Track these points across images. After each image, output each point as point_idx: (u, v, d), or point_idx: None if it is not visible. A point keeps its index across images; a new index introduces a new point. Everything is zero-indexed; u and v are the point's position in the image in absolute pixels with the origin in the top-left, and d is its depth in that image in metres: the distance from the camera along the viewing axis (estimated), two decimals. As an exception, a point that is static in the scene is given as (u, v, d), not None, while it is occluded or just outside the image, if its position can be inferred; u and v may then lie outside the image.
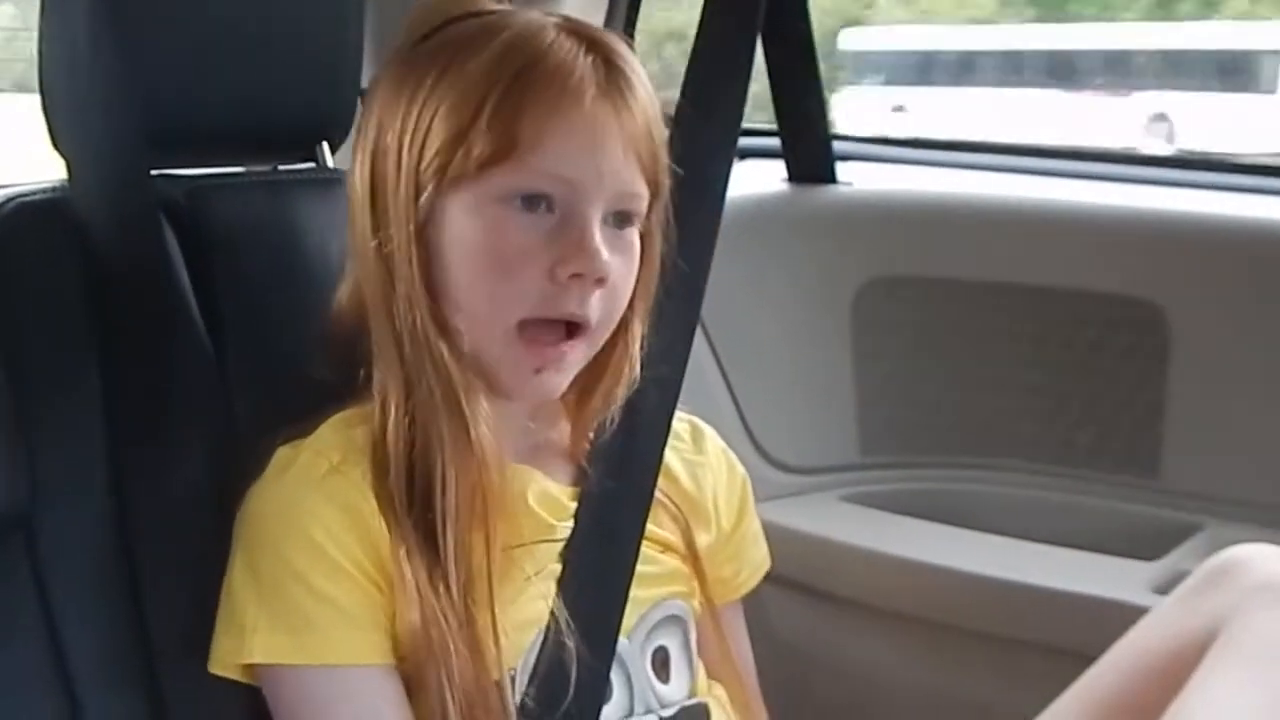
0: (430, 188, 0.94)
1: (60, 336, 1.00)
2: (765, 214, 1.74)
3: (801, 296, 1.71)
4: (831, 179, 1.75)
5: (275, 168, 1.20)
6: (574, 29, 0.97)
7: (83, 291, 1.01)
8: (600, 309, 0.97)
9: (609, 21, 1.76)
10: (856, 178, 1.76)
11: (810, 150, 1.75)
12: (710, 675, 1.12)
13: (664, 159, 1.01)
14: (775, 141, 1.76)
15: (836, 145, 1.76)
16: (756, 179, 1.77)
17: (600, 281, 0.95)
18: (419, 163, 0.94)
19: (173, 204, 1.09)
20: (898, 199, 1.74)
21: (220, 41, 1.10)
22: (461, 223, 0.95)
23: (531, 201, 0.94)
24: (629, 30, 1.80)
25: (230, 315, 1.07)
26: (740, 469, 1.19)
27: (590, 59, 0.95)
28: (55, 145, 1.06)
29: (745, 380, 1.72)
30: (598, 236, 0.95)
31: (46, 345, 0.99)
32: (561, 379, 0.99)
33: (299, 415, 0.99)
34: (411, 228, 0.95)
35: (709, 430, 1.17)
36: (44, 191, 1.05)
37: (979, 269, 1.64)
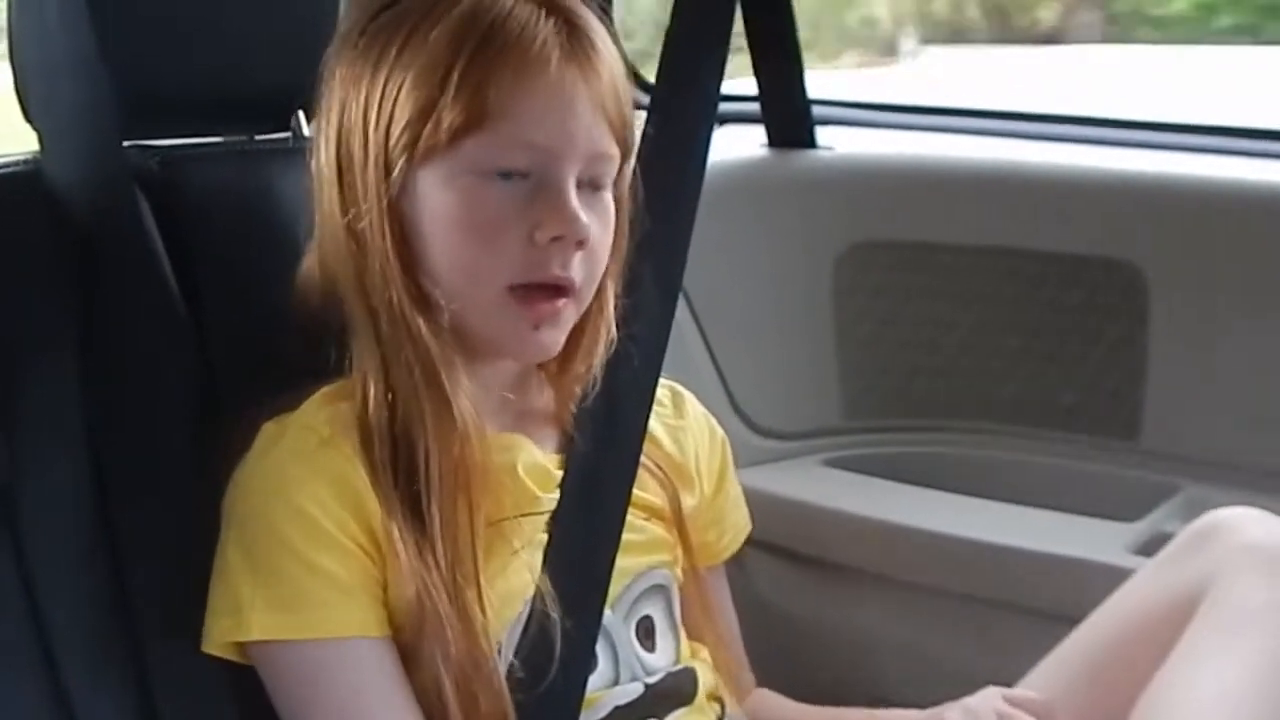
0: (401, 162, 0.94)
1: (36, 308, 0.99)
2: (745, 179, 1.73)
3: (783, 262, 1.71)
4: (811, 144, 1.74)
5: (251, 137, 1.19)
6: None
7: (58, 262, 1.00)
8: (583, 270, 0.97)
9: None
10: (837, 142, 1.75)
11: (790, 115, 1.74)
12: (693, 639, 1.12)
13: (631, 119, 1.01)
14: (754, 106, 1.75)
15: (816, 109, 1.75)
16: (736, 144, 1.76)
17: (581, 243, 0.96)
18: (387, 137, 0.94)
19: (147, 174, 1.08)
20: (878, 163, 1.73)
21: (194, 10, 1.09)
22: (436, 196, 0.95)
23: (508, 173, 0.94)
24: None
25: (206, 284, 1.06)
26: (720, 432, 1.20)
27: (551, 22, 0.95)
28: (27, 116, 1.05)
29: (727, 346, 1.71)
30: (574, 199, 0.95)
31: (22, 316, 0.99)
32: (558, 335, 0.99)
33: (277, 383, 0.98)
34: (384, 204, 0.94)
35: (689, 395, 1.18)
36: (17, 163, 1.04)
37: (960, 233, 1.64)
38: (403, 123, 0.93)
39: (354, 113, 0.95)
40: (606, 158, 0.98)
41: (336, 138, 0.96)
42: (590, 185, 0.98)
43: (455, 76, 0.92)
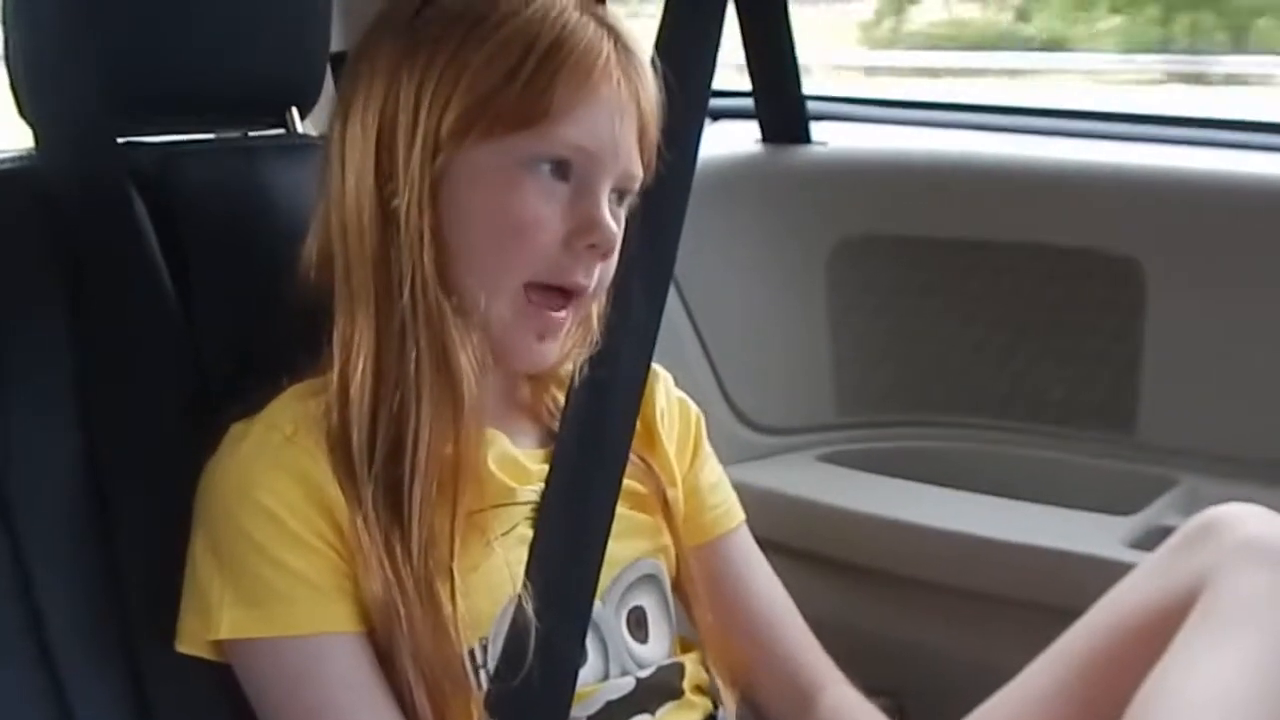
0: (449, 146, 0.95)
1: (30, 304, 0.99)
2: (739, 175, 1.74)
3: (776, 257, 1.71)
4: (805, 139, 1.75)
5: (245, 134, 1.19)
6: (590, 10, 0.99)
7: (52, 259, 1.00)
8: (597, 278, 1.00)
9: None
10: (831, 137, 1.75)
11: (784, 110, 1.74)
12: (697, 625, 1.12)
13: (656, 144, 1.03)
14: (748, 102, 1.75)
15: (810, 105, 1.75)
16: (730, 139, 1.77)
17: (608, 254, 0.99)
18: (440, 122, 0.95)
19: (142, 171, 1.08)
20: (872, 158, 1.74)
21: (188, 7, 1.09)
22: (479, 183, 0.96)
23: (560, 169, 0.96)
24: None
25: (200, 281, 1.06)
26: (694, 409, 1.21)
27: (611, 41, 0.98)
28: (21, 113, 1.05)
29: (720, 341, 1.72)
30: (608, 210, 0.98)
31: (17, 312, 0.99)
32: (557, 348, 1.01)
33: (270, 379, 0.98)
34: (426, 184, 0.95)
35: (664, 374, 1.18)
36: (11, 160, 1.04)
37: (954, 227, 1.64)
38: (459, 110, 0.94)
39: (404, 92, 0.96)
40: (635, 176, 1.01)
41: (380, 113, 0.97)
42: (617, 197, 1.01)
43: (524, 73, 0.94)
